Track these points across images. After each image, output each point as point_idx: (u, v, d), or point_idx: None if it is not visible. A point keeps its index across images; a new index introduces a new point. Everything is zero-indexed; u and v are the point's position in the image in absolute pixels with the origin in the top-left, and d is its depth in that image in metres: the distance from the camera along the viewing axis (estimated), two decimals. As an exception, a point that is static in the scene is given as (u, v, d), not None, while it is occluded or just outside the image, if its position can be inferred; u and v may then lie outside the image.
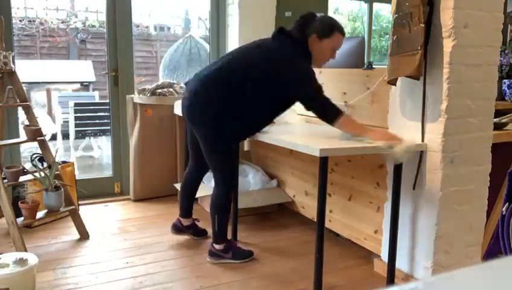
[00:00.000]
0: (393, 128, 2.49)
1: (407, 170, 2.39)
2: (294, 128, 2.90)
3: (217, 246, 2.75)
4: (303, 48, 2.49)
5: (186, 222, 3.07)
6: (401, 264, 2.49)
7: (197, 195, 3.49)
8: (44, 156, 3.14)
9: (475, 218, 2.41)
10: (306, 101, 2.43)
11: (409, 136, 2.39)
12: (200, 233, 3.14)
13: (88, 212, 3.60)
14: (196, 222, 3.14)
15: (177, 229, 3.07)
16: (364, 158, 2.76)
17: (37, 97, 7.80)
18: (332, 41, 2.50)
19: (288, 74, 2.42)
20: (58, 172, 3.08)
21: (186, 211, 3.06)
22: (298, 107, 2.66)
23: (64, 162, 3.59)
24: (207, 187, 3.51)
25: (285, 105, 2.58)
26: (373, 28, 5.47)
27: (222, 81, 2.50)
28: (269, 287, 2.47)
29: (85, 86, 8.19)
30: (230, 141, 2.63)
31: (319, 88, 2.40)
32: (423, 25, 2.16)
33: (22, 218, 2.85)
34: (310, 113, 2.47)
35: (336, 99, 2.97)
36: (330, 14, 4.96)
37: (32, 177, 2.95)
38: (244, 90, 2.45)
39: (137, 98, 3.85)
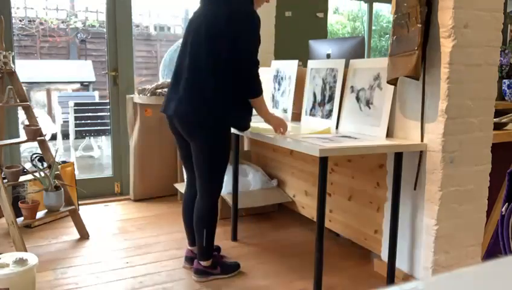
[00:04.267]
0: (393, 128, 2.49)
1: (407, 170, 2.40)
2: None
3: (204, 263, 2.54)
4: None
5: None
6: (401, 264, 2.49)
7: None
8: (44, 156, 3.14)
9: (475, 218, 2.41)
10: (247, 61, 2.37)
11: (409, 136, 2.39)
12: (216, 250, 2.80)
13: (88, 212, 3.60)
14: None
15: (191, 260, 2.66)
16: (364, 158, 2.76)
17: (37, 97, 7.80)
18: None
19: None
20: (58, 172, 3.08)
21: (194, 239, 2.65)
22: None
23: (64, 162, 3.59)
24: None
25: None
26: (373, 28, 5.47)
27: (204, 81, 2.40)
28: (269, 287, 2.47)
29: (85, 86, 8.19)
30: (228, 127, 2.47)
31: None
32: (420, 25, 2.16)
33: (22, 218, 2.85)
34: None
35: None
36: (330, 14, 4.96)
37: (32, 177, 2.95)
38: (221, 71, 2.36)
39: (137, 98, 3.85)
